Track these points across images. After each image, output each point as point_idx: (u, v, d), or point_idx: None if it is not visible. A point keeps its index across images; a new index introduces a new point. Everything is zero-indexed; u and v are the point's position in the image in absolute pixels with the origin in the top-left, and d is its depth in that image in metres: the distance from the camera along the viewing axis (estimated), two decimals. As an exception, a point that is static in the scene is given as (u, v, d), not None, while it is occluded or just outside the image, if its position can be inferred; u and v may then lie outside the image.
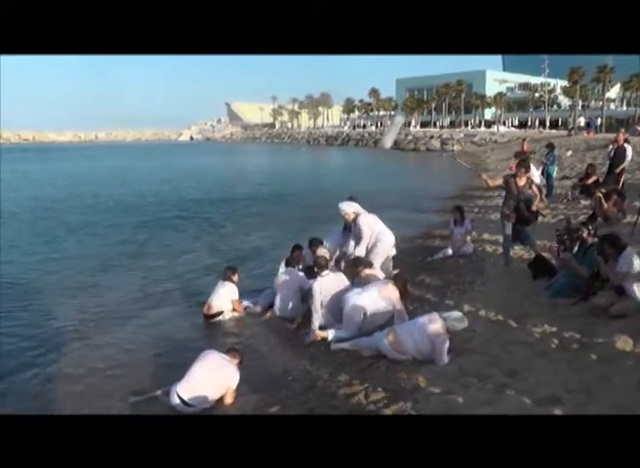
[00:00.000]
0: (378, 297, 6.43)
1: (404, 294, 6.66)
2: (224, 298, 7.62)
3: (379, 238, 7.88)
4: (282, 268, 8.17)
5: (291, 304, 7.58)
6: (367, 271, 7.22)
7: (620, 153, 13.80)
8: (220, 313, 7.56)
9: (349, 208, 8.07)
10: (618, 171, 13.60)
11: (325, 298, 6.87)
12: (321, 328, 6.79)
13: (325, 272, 7.03)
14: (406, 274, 7.28)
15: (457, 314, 5.76)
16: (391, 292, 6.50)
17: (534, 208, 8.48)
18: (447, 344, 5.43)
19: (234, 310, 7.68)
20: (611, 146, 15.75)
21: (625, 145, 13.80)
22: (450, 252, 10.21)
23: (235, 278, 7.89)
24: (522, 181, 8.46)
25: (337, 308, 6.88)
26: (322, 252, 7.86)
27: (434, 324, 5.50)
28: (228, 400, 5.25)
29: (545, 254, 8.07)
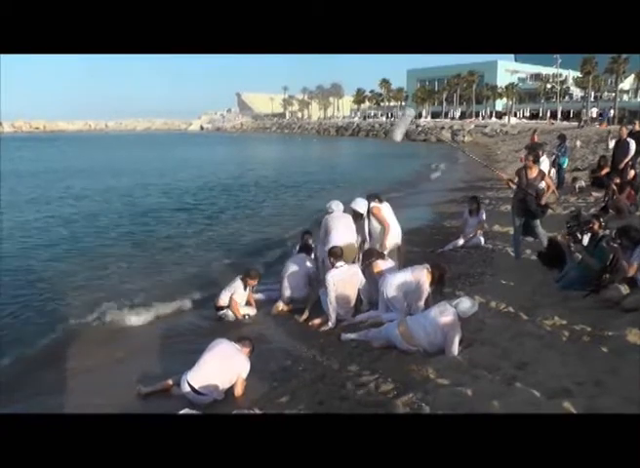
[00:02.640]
0: (410, 278, 6.50)
1: (438, 284, 6.70)
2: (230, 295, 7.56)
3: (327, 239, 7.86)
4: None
5: (298, 291, 7.67)
6: (380, 263, 7.23)
7: (622, 147, 13.31)
8: (227, 307, 7.53)
9: (329, 206, 8.20)
10: (622, 166, 13.01)
11: (337, 290, 6.88)
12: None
13: (340, 263, 7.01)
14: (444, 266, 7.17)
15: (466, 300, 5.71)
16: (422, 277, 6.52)
17: (543, 201, 8.35)
18: (459, 336, 5.43)
19: (231, 307, 7.50)
20: (612, 141, 15.40)
21: (628, 139, 13.29)
22: (460, 242, 10.20)
23: (251, 282, 7.67)
24: (533, 173, 8.28)
25: (347, 300, 6.89)
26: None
27: (446, 315, 5.48)
28: (238, 389, 5.28)
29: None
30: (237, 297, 7.52)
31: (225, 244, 12.40)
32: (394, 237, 8.04)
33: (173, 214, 16.53)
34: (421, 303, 6.48)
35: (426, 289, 6.54)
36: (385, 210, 8.09)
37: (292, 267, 7.88)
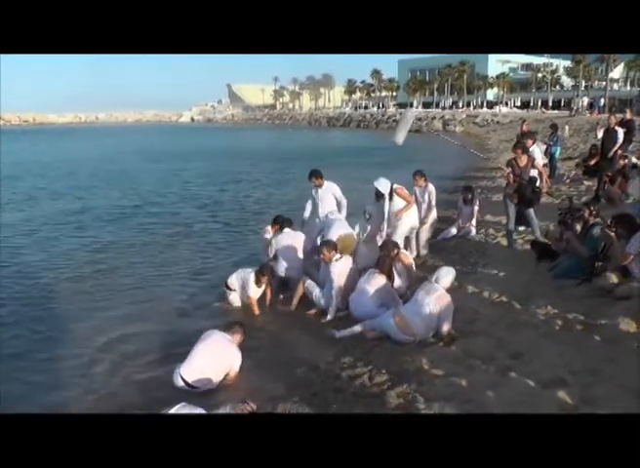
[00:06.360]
0: (372, 289, 6.46)
1: (391, 275, 6.78)
2: (240, 284, 7.29)
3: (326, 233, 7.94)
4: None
5: (292, 269, 7.69)
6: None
7: (611, 136, 13.18)
8: (231, 289, 7.35)
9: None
10: (611, 155, 12.91)
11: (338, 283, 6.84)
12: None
13: (337, 256, 6.91)
14: (386, 254, 6.99)
15: (443, 270, 5.79)
16: (379, 280, 6.55)
17: (544, 188, 8.44)
18: (451, 312, 5.51)
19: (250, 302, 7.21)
20: (601, 130, 15.38)
21: (617, 128, 13.21)
22: (453, 231, 10.22)
23: (262, 278, 7.18)
24: (522, 162, 8.39)
25: (344, 292, 6.84)
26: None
27: (433, 292, 5.56)
28: (231, 382, 5.25)
29: (545, 240, 8.10)
30: (251, 293, 7.15)
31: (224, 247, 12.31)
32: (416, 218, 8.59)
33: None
34: (396, 295, 6.59)
35: (389, 284, 6.61)
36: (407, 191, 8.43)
37: (285, 242, 7.71)
